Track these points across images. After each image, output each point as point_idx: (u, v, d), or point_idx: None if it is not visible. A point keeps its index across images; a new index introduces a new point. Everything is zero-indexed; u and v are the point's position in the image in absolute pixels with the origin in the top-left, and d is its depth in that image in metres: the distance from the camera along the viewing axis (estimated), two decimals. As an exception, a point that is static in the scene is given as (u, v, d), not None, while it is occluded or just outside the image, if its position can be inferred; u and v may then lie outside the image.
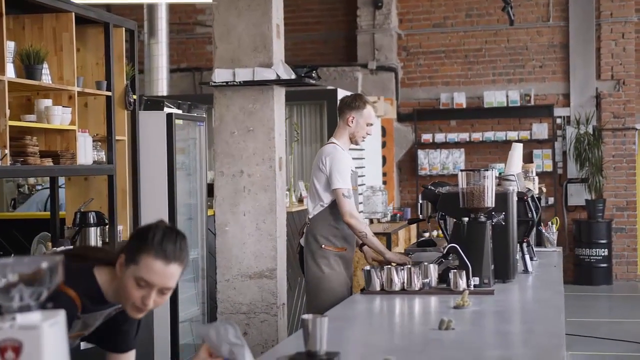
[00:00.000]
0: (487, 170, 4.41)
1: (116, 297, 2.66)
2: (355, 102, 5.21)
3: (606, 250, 12.06)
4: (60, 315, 1.85)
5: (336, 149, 5.13)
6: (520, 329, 3.56)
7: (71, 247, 5.36)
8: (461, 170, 4.43)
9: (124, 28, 5.93)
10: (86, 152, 5.37)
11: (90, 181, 5.77)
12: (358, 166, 9.75)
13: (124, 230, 5.98)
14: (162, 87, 10.57)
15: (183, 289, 6.54)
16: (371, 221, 9.94)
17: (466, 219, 4.36)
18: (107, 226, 5.71)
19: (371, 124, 5.24)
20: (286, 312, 5.67)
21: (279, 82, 5.35)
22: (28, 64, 4.90)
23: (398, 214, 10.41)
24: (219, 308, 5.48)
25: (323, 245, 5.07)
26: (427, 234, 10.02)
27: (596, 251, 12.04)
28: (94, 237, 5.57)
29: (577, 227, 12.23)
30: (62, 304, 2.59)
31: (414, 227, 10.54)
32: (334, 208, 5.07)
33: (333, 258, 5.09)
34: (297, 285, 7.40)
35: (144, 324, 5.72)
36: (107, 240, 5.73)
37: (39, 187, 8.43)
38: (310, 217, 5.18)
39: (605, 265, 12.07)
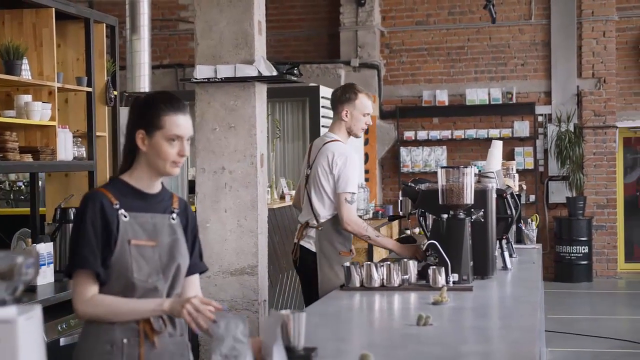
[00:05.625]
0: (467, 167, 4.42)
1: (150, 177, 2.89)
2: (346, 94, 4.99)
3: (586, 247, 12.13)
4: (36, 310, 1.86)
5: (347, 149, 4.96)
6: (496, 325, 3.58)
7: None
8: (441, 167, 4.45)
9: (104, 24, 5.91)
10: (66, 148, 5.35)
11: (71, 177, 5.76)
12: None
13: (104, 227, 5.97)
14: (144, 83, 10.51)
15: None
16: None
17: (445, 215, 4.37)
18: (87, 222, 5.72)
19: (368, 114, 5.01)
20: (267, 308, 5.67)
21: (260, 78, 5.34)
22: (7, 60, 4.88)
23: (380, 211, 10.42)
24: (200, 305, 5.48)
25: (341, 252, 4.94)
26: (408, 231, 10.04)
27: (577, 248, 12.11)
28: (74, 233, 5.56)
29: (557, 225, 12.31)
30: (88, 198, 2.81)
31: (395, 224, 10.56)
32: None
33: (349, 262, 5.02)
34: (278, 282, 7.40)
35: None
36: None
37: (20, 184, 8.37)
38: (321, 220, 4.93)
39: (585, 262, 12.15)
